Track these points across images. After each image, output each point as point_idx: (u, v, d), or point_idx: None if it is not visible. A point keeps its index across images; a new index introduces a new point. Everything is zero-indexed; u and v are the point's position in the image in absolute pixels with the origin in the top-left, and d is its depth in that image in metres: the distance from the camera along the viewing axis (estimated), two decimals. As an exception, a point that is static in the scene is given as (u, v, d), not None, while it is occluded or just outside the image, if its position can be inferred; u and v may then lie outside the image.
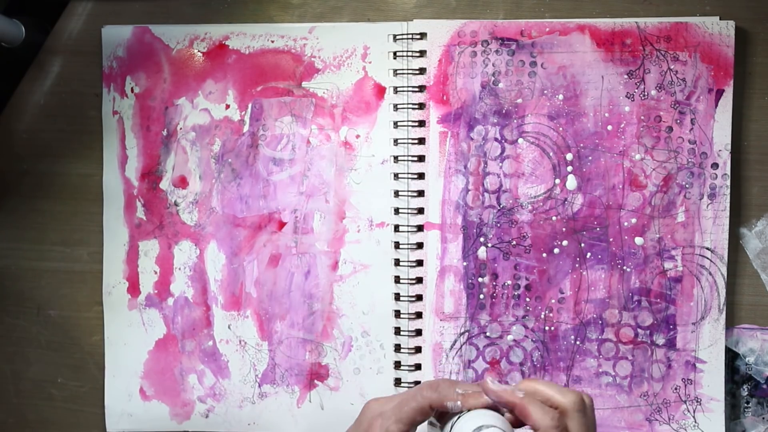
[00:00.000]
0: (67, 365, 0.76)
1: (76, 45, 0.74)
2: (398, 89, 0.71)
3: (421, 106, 0.70)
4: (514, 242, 0.70)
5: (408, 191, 0.71)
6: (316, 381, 0.73)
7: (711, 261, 0.68)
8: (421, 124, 0.70)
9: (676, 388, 0.69)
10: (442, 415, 0.51)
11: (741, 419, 0.70)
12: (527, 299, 0.70)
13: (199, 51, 0.72)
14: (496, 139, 0.70)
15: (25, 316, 0.76)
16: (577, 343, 0.70)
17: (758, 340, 0.70)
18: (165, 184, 0.73)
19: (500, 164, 0.70)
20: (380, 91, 0.71)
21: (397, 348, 0.71)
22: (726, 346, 0.69)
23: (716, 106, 0.68)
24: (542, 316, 0.70)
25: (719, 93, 0.68)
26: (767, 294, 0.70)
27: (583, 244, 0.69)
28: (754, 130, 0.70)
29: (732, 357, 0.70)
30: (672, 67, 0.68)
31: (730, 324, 0.70)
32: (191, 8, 0.74)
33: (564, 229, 0.70)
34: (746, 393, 0.70)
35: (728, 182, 0.68)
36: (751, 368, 0.70)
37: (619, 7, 0.70)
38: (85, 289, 0.75)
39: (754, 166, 0.70)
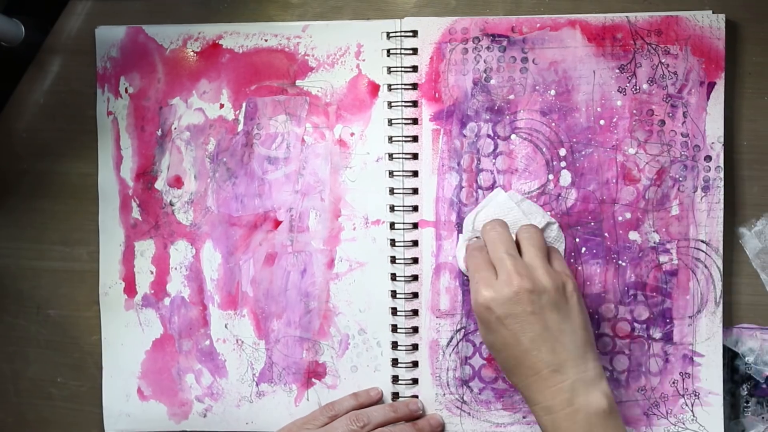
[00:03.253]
0: (67, 365, 0.76)
1: (76, 44, 0.75)
2: (392, 87, 0.71)
3: (415, 103, 0.70)
4: (509, 238, 0.70)
5: (403, 189, 0.71)
6: (313, 379, 0.72)
7: (706, 254, 0.68)
8: (415, 121, 0.70)
9: (673, 382, 0.69)
10: None
11: (741, 419, 0.70)
12: (522, 295, 0.70)
13: (192, 51, 0.73)
14: (488, 136, 0.70)
15: (25, 316, 0.76)
16: (573, 338, 0.69)
17: (758, 339, 0.69)
18: (160, 184, 0.74)
19: (493, 161, 0.70)
20: (374, 88, 0.71)
21: (394, 345, 0.71)
22: (725, 346, 0.69)
23: (708, 98, 0.68)
24: (538, 312, 0.70)
25: (711, 86, 0.68)
26: (767, 294, 0.70)
27: (577, 239, 0.69)
28: (753, 129, 0.69)
29: (732, 356, 0.69)
30: (663, 60, 0.68)
31: (730, 323, 0.69)
32: (191, 7, 0.74)
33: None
34: (746, 392, 0.69)
35: (722, 174, 0.68)
36: (751, 368, 0.69)
37: (617, 6, 0.70)
38: (85, 289, 0.75)
39: (753, 166, 0.70)
